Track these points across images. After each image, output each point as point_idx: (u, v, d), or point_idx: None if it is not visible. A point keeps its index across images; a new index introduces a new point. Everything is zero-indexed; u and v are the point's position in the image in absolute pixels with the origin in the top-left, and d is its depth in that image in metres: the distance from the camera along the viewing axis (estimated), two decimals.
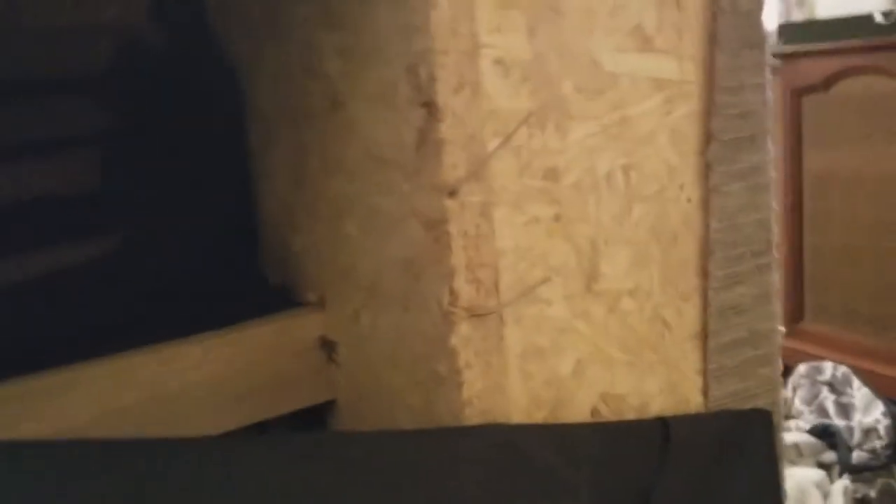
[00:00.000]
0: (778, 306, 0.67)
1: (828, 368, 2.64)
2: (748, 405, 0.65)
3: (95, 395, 0.71)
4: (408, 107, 0.56)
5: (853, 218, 2.93)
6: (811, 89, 3.04)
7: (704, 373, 0.63)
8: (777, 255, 0.67)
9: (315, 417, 0.82)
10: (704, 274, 0.63)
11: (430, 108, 0.53)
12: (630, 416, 0.61)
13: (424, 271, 0.59)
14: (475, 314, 0.54)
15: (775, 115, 3.03)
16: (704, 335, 0.63)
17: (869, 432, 2.40)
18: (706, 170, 0.63)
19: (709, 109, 0.62)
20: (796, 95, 3.07)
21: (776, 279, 0.67)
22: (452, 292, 0.55)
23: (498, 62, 0.54)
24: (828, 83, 2.97)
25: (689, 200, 0.62)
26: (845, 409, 2.52)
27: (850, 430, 2.44)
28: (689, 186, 0.62)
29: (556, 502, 0.54)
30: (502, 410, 0.57)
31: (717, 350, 0.63)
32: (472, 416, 0.56)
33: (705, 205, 0.63)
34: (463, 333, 0.56)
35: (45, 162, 1.00)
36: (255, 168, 0.95)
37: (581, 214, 0.59)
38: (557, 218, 0.58)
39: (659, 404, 0.62)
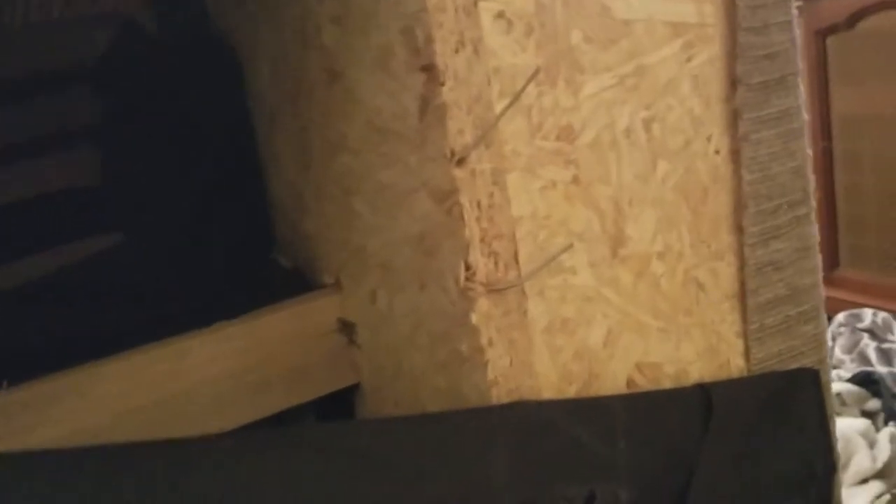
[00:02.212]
0: (818, 259, 0.62)
1: (867, 315, 2.57)
2: (793, 365, 0.62)
3: (110, 395, 0.69)
4: (407, 72, 0.52)
5: (886, 158, 2.84)
6: (834, 28, 2.93)
7: (745, 334, 0.59)
8: (814, 203, 0.62)
9: (340, 403, 0.80)
10: (739, 230, 0.59)
11: (430, 71, 0.49)
12: (667, 384, 0.57)
13: (438, 246, 0.55)
14: (494, 289, 0.51)
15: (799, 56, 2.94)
16: (742, 295, 0.59)
17: None
18: (734, 118, 0.59)
19: (732, 52, 0.57)
20: (820, 36, 2.96)
21: (815, 230, 0.63)
22: (468, 267, 0.52)
23: (499, 16, 0.50)
24: (851, 21, 2.87)
25: (717, 152, 0.58)
26: (887, 356, 2.46)
27: (894, 376, 2.38)
28: (717, 137, 0.58)
29: (590, 480, 0.51)
30: (531, 388, 0.54)
31: (757, 309, 0.59)
32: (500, 396, 0.53)
33: (735, 156, 0.59)
34: (483, 310, 0.52)
35: (43, 158, 0.98)
36: (261, 152, 0.92)
37: (601, 175, 0.55)
38: (576, 180, 0.54)
39: (698, 370, 0.58)
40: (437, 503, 0.40)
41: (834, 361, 2.60)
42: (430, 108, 0.50)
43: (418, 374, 0.63)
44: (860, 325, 2.60)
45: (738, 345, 0.59)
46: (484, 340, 0.53)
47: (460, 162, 0.49)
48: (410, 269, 0.60)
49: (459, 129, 0.50)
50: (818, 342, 0.62)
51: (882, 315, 2.56)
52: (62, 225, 0.96)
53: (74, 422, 0.66)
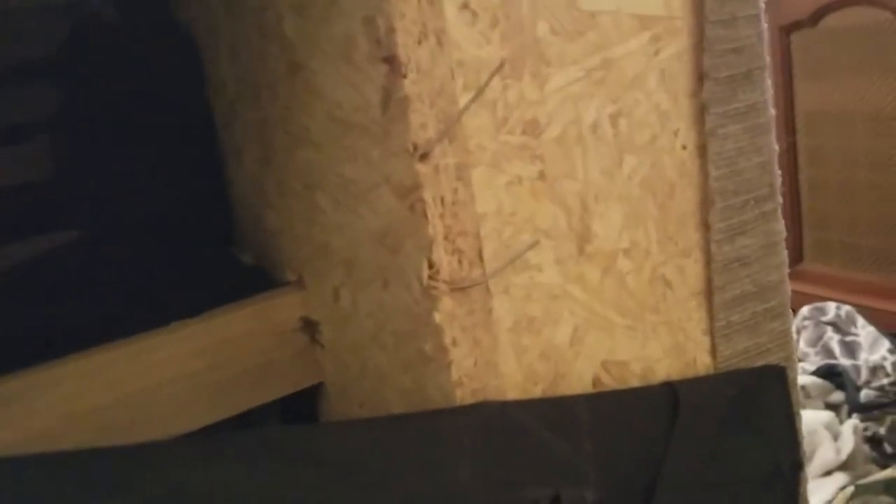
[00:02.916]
0: (785, 255, 0.62)
1: (831, 308, 2.61)
2: (760, 362, 0.61)
3: (65, 396, 0.66)
4: (369, 63, 0.50)
5: (849, 153, 2.88)
6: (799, 25, 2.96)
7: (711, 332, 0.59)
8: (780, 199, 0.62)
9: (303, 403, 0.78)
10: (705, 226, 0.59)
11: (392, 62, 0.47)
12: (634, 383, 0.57)
13: (401, 243, 0.54)
14: (458, 287, 0.49)
15: None
16: (709, 292, 0.59)
17: (876, 370, 2.38)
18: (701, 113, 0.58)
19: (700, 46, 0.56)
20: (784, 32, 2.99)
21: (782, 226, 0.62)
22: (432, 265, 0.50)
23: (464, 7, 0.49)
24: (815, 17, 2.90)
25: (684, 148, 0.57)
26: (850, 349, 2.49)
27: (857, 368, 2.41)
28: (684, 132, 0.57)
29: (556, 482, 0.50)
30: (496, 388, 0.53)
31: (724, 306, 0.59)
32: (464, 397, 0.52)
33: (702, 151, 0.58)
34: (447, 309, 0.51)
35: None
36: (222, 145, 0.90)
37: (567, 170, 0.54)
38: (542, 176, 0.53)
39: (665, 368, 0.57)
40: None
41: (798, 354, 2.63)
42: (393, 101, 0.49)
43: (383, 374, 0.62)
44: (824, 319, 2.63)
45: (705, 342, 0.58)
46: (448, 340, 0.51)
47: (423, 157, 0.48)
48: (374, 267, 0.59)
49: (422, 122, 0.48)
50: (785, 339, 0.62)
51: (845, 308, 2.60)
52: (15, 221, 0.93)
53: (26, 425, 0.63)
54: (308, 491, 0.45)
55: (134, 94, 0.90)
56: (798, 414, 0.62)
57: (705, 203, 0.58)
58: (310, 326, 0.76)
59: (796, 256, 3.08)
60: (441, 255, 0.50)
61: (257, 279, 0.83)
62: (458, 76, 0.50)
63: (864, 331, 2.50)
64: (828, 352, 2.53)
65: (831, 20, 2.82)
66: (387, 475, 0.49)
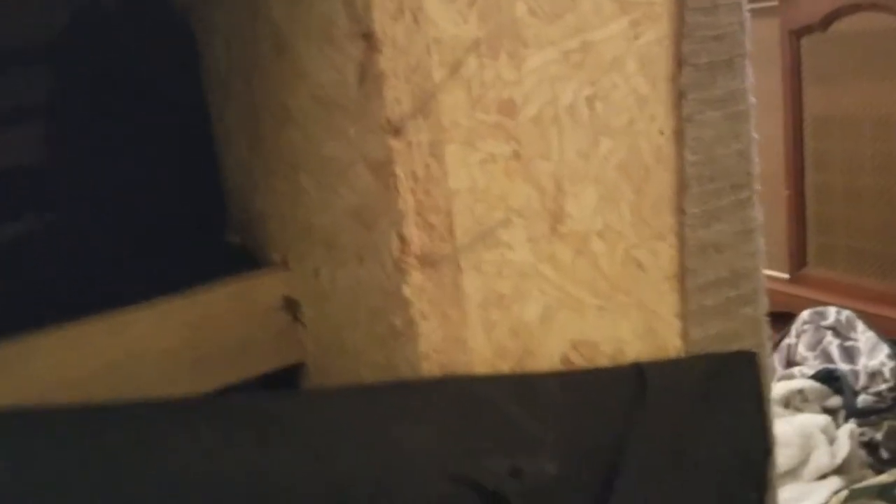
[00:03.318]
0: (760, 243, 0.63)
1: (831, 313, 2.60)
2: (732, 347, 0.62)
3: (45, 367, 0.67)
4: (347, 41, 0.51)
5: (856, 158, 2.87)
6: (809, 29, 2.96)
7: (683, 315, 0.59)
8: (758, 187, 0.62)
9: (285, 381, 0.79)
10: (680, 211, 0.59)
11: (369, 38, 0.48)
12: (604, 363, 0.57)
13: (376, 220, 0.55)
14: (428, 262, 0.50)
15: (774, 56, 2.97)
16: (682, 275, 0.59)
17: (874, 375, 2.37)
18: (679, 98, 0.58)
19: (680, 32, 0.57)
20: (795, 36, 2.99)
21: (758, 214, 0.63)
22: (403, 239, 0.51)
23: None
24: (826, 22, 2.89)
25: (661, 133, 0.58)
26: (850, 354, 2.49)
27: (855, 374, 2.41)
28: (662, 117, 0.58)
29: (517, 455, 0.51)
30: (463, 363, 0.54)
31: (696, 290, 0.59)
32: (431, 370, 0.52)
33: (680, 137, 0.59)
34: (416, 283, 0.52)
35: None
36: (215, 129, 0.91)
37: (542, 151, 0.55)
38: (516, 155, 0.54)
39: (635, 350, 0.58)
40: (362, 473, 0.40)
41: (797, 358, 2.63)
42: (369, 77, 0.50)
43: (358, 350, 0.62)
44: (824, 323, 2.63)
45: (677, 325, 0.59)
46: (416, 313, 0.52)
47: (397, 132, 0.49)
48: (351, 244, 0.60)
49: (396, 98, 0.49)
50: (757, 325, 0.63)
51: (846, 313, 2.59)
52: (6, 201, 0.94)
53: (6, 394, 0.64)
54: (266, 454, 0.46)
55: (131, 81, 0.91)
56: (768, 400, 0.63)
57: (681, 188, 0.59)
58: (292, 306, 0.77)
59: (800, 261, 3.07)
60: (412, 230, 0.51)
61: (244, 260, 0.84)
62: (434, 53, 0.50)
63: (864, 336, 2.49)
64: (827, 356, 2.52)
65: (842, 25, 2.81)
66: (348, 441, 0.50)
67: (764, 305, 0.65)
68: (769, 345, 0.65)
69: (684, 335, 0.60)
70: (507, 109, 0.53)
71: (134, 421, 0.46)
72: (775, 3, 3.01)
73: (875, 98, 2.69)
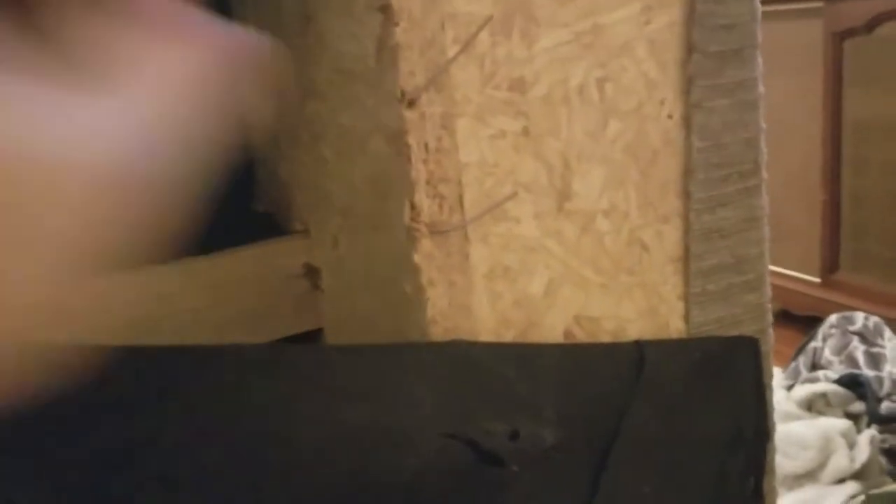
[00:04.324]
0: (766, 231, 0.64)
1: (859, 318, 2.58)
2: (733, 332, 0.63)
3: None
4: (367, 13, 0.54)
5: (894, 164, 2.83)
6: (853, 32, 2.92)
7: (686, 298, 0.61)
8: (765, 175, 0.64)
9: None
10: (686, 195, 0.61)
11: (386, 11, 0.50)
12: (606, 339, 0.59)
13: (390, 188, 0.57)
14: (438, 230, 0.52)
15: (816, 58, 2.92)
16: (686, 259, 0.61)
17: None
18: (688, 84, 0.60)
19: (691, 19, 0.58)
20: (838, 39, 2.95)
21: (765, 202, 0.64)
22: (414, 207, 0.53)
23: None
24: (871, 25, 2.85)
25: (669, 117, 0.59)
26: (875, 360, 2.47)
27: (880, 380, 2.39)
28: (671, 102, 0.59)
29: (516, 420, 0.53)
30: (468, 330, 0.56)
31: (700, 274, 0.61)
32: (438, 335, 0.55)
33: (687, 122, 0.60)
34: (425, 250, 0.54)
35: None
36: None
37: (552, 129, 0.56)
38: (526, 132, 0.56)
39: (637, 329, 0.60)
40: (360, 427, 0.42)
41: (822, 362, 2.61)
42: (385, 49, 0.52)
43: (370, 316, 0.65)
44: (851, 328, 2.61)
45: (679, 308, 0.60)
46: (425, 280, 0.55)
47: (410, 103, 0.51)
48: (367, 212, 0.62)
49: (411, 70, 0.51)
50: (760, 312, 0.64)
51: (874, 319, 2.57)
52: None
53: None
54: (268, 401, 0.49)
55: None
56: (768, 385, 0.64)
57: (687, 173, 0.60)
58: (312, 273, 0.79)
59: (832, 265, 3.04)
60: (423, 199, 0.53)
61: (268, 229, 0.87)
62: (449, 28, 0.52)
63: (891, 343, 2.47)
64: (852, 361, 2.51)
65: (887, 28, 2.77)
66: (347, 395, 0.52)
67: (767, 293, 0.66)
68: (771, 332, 0.66)
69: (686, 318, 0.62)
70: (518, 87, 0.55)
71: (232, 363, 0.49)
72: (819, 4, 2.97)
73: None
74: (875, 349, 2.48)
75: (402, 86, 0.49)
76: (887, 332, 2.49)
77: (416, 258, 0.54)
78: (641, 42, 0.58)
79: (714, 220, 0.62)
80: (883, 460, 2.24)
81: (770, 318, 0.65)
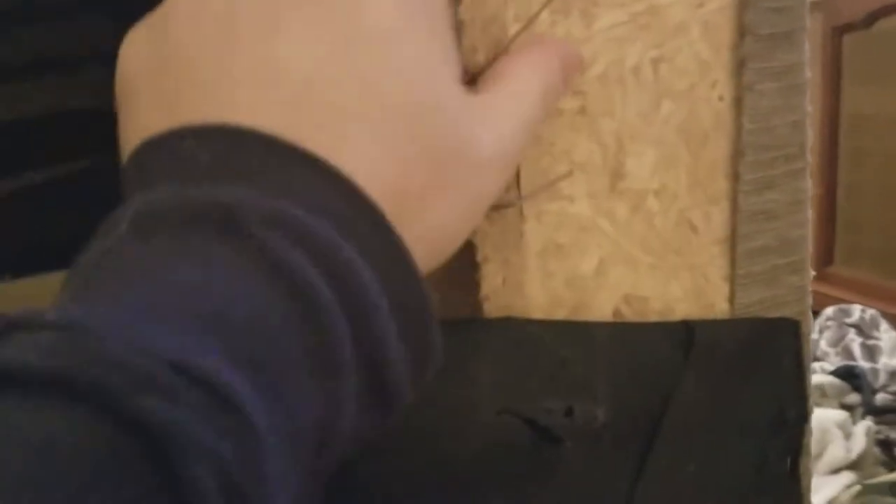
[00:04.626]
0: (809, 213, 0.64)
1: (856, 311, 2.62)
2: (776, 314, 0.64)
3: None
4: None
5: (892, 158, 2.86)
6: (852, 27, 2.94)
7: (731, 279, 0.61)
8: (810, 159, 0.64)
9: None
10: (735, 177, 0.61)
11: None
12: (653, 319, 0.59)
13: None
14: (494, 207, 0.53)
15: (814, 52, 2.96)
16: (733, 240, 0.61)
17: (894, 375, 2.38)
18: (740, 67, 0.60)
19: (743, 2, 0.59)
20: (837, 33, 2.97)
21: (809, 186, 0.64)
22: None
23: None
24: (870, 20, 2.87)
25: (720, 99, 0.60)
26: (871, 352, 2.50)
27: (875, 372, 2.42)
28: (722, 84, 0.59)
29: (569, 396, 0.53)
30: (521, 308, 0.56)
31: (746, 256, 0.61)
32: (490, 312, 0.55)
33: (738, 104, 0.60)
34: (482, 228, 0.54)
35: (46, 80, 0.99)
36: None
37: (607, 108, 0.57)
38: (582, 111, 0.56)
39: (683, 309, 0.60)
40: (416, 404, 0.42)
41: (819, 353, 2.63)
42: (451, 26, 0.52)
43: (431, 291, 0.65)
44: (848, 321, 2.64)
45: (724, 289, 0.61)
46: (480, 256, 0.55)
47: (472, 80, 0.51)
48: None
49: (473, 46, 0.51)
50: (801, 294, 0.64)
51: (870, 312, 2.60)
52: (57, 145, 0.96)
53: None
54: None
55: None
56: (808, 367, 0.65)
57: (736, 155, 0.60)
58: None
59: (827, 258, 3.07)
60: None
61: None
62: (510, 7, 0.52)
63: (887, 335, 2.50)
64: (848, 353, 2.54)
65: (886, 23, 2.79)
66: None
67: (809, 276, 0.67)
68: (811, 314, 0.67)
69: (731, 299, 0.62)
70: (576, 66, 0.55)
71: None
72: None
73: None
74: (871, 341, 2.51)
75: (465, 62, 0.49)
76: (883, 325, 2.52)
77: (473, 235, 0.54)
78: (695, 24, 0.58)
79: (761, 202, 0.62)
80: (878, 451, 2.27)
81: (810, 300, 0.66)
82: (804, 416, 0.65)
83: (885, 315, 2.51)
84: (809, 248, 0.67)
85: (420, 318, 0.37)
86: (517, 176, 0.54)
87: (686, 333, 0.60)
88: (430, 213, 0.40)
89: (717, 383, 0.60)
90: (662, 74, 0.58)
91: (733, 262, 0.62)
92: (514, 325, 0.53)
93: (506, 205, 0.54)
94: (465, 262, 0.56)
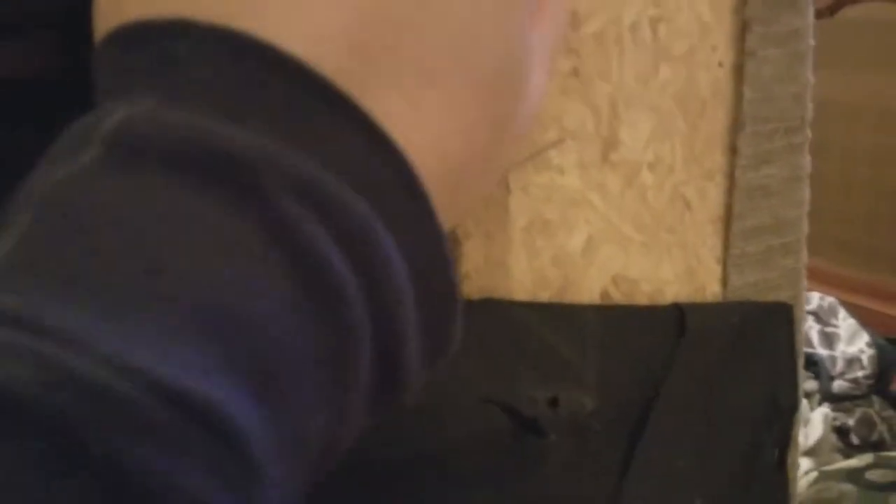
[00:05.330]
0: (807, 193, 0.61)
1: (814, 298, 2.63)
2: (769, 297, 0.60)
3: None
4: None
5: (853, 148, 2.88)
6: (817, 14, 2.96)
7: (724, 260, 0.57)
8: (809, 133, 0.60)
9: None
10: (732, 151, 0.57)
11: None
12: (643, 301, 0.55)
13: None
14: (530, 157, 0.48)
15: None
16: (728, 218, 0.57)
17: (852, 362, 2.40)
18: (742, 31, 0.56)
19: None
20: None
21: (808, 161, 0.61)
22: None
23: None
24: (834, 8, 2.88)
25: (720, 65, 0.55)
26: (829, 339, 2.52)
27: (833, 359, 2.44)
28: (723, 49, 0.55)
29: (557, 384, 0.49)
30: (504, 287, 0.51)
31: (741, 235, 0.57)
32: (471, 292, 0.50)
33: (738, 72, 0.56)
34: None
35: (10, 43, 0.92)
36: None
37: (602, 70, 0.52)
38: (575, 72, 0.51)
39: (674, 291, 0.56)
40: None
41: None
42: None
43: None
44: (807, 308, 2.66)
45: (717, 270, 0.57)
46: (460, 231, 0.50)
47: None
48: None
49: None
50: (796, 276, 0.61)
51: (829, 300, 2.61)
52: (12, 113, 0.90)
53: None
54: None
55: None
56: (801, 354, 0.61)
57: (734, 126, 0.56)
58: None
59: None
60: None
61: None
62: None
63: (845, 323, 2.52)
64: (806, 340, 2.55)
65: (850, 12, 2.80)
66: None
67: (804, 258, 0.63)
68: (804, 297, 0.63)
69: (724, 281, 0.58)
70: (571, 21, 0.50)
71: None
72: None
73: (877, 89, 2.70)
74: (829, 329, 2.53)
75: None
76: (841, 312, 2.54)
77: None
78: None
79: (758, 178, 0.58)
80: (835, 438, 2.29)
81: (805, 283, 0.62)
82: (796, 405, 0.62)
83: (844, 303, 2.53)
84: (805, 228, 0.63)
85: (445, 310, 0.31)
86: None
87: (677, 319, 0.55)
88: (478, 183, 0.35)
89: (709, 371, 0.57)
90: (661, 35, 0.53)
91: (727, 242, 0.58)
92: (498, 307, 0.48)
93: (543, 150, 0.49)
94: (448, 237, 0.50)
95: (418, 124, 0.29)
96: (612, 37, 0.52)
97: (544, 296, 0.53)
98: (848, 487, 1.93)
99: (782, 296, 0.62)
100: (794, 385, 0.61)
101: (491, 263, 0.51)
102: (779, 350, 0.60)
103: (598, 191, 0.53)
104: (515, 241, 0.52)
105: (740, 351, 0.58)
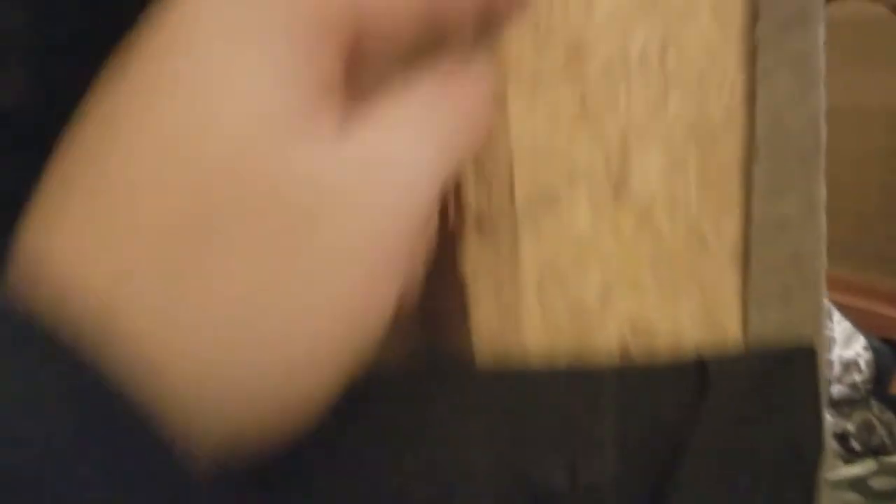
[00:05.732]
0: (824, 223, 0.57)
1: None
2: (790, 336, 0.56)
3: None
4: None
5: (835, 148, 2.87)
6: None
7: (744, 299, 0.54)
8: (823, 161, 0.57)
9: None
10: (747, 181, 0.53)
11: None
12: (661, 348, 0.51)
13: None
14: (485, 222, 0.44)
15: None
16: (746, 255, 0.53)
17: (849, 366, 2.38)
18: (752, 55, 0.52)
19: None
20: None
21: (823, 191, 0.57)
22: (459, 199, 0.45)
23: None
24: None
25: (731, 91, 0.52)
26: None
27: (830, 364, 2.41)
28: (733, 73, 0.52)
29: (575, 454, 0.45)
30: (518, 348, 0.47)
31: (760, 272, 0.54)
32: (483, 356, 0.46)
33: (750, 98, 0.53)
34: (469, 253, 0.45)
35: None
36: None
37: (610, 102, 0.48)
38: (583, 107, 0.48)
39: (693, 337, 0.52)
40: (409, 477, 0.34)
41: None
42: None
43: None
44: None
45: (737, 311, 0.53)
46: (468, 290, 0.46)
47: None
48: None
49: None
50: (816, 312, 0.57)
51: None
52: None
53: None
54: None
55: (119, 16, 0.83)
56: (825, 396, 0.58)
57: (749, 155, 0.53)
58: None
59: None
60: (469, 188, 0.45)
61: None
62: None
63: (840, 326, 2.50)
64: None
65: (830, 9, 2.81)
66: (390, 436, 0.43)
67: (823, 293, 0.60)
68: (826, 334, 0.60)
69: (744, 322, 0.55)
70: (576, 55, 0.47)
71: None
72: None
73: (858, 89, 2.69)
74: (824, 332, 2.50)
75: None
76: (836, 315, 2.51)
77: (461, 261, 0.45)
78: (704, 5, 0.50)
79: (775, 211, 0.55)
80: (834, 444, 2.26)
81: (826, 319, 0.58)
82: (820, 452, 0.59)
83: (838, 305, 2.51)
84: (824, 261, 0.60)
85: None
86: (511, 187, 0.46)
87: (699, 373, 0.52)
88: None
89: (734, 426, 0.53)
90: (669, 62, 0.50)
91: (746, 280, 0.55)
92: (511, 374, 0.45)
93: (499, 219, 0.45)
94: (446, 296, 0.47)
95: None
96: (619, 67, 0.48)
97: (560, 349, 0.49)
98: (853, 497, 1.90)
99: (804, 333, 0.59)
100: (818, 432, 0.58)
101: (504, 322, 0.47)
102: (804, 398, 0.57)
103: (610, 232, 0.50)
104: (528, 292, 0.48)
105: (765, 403, 0.55)
